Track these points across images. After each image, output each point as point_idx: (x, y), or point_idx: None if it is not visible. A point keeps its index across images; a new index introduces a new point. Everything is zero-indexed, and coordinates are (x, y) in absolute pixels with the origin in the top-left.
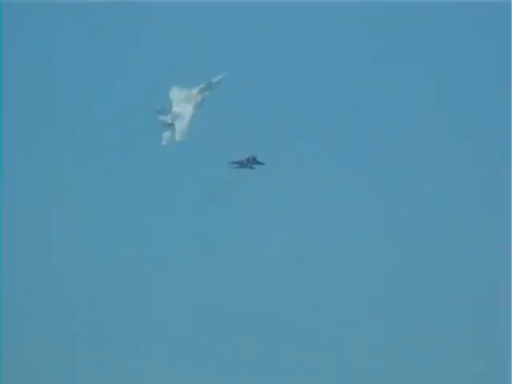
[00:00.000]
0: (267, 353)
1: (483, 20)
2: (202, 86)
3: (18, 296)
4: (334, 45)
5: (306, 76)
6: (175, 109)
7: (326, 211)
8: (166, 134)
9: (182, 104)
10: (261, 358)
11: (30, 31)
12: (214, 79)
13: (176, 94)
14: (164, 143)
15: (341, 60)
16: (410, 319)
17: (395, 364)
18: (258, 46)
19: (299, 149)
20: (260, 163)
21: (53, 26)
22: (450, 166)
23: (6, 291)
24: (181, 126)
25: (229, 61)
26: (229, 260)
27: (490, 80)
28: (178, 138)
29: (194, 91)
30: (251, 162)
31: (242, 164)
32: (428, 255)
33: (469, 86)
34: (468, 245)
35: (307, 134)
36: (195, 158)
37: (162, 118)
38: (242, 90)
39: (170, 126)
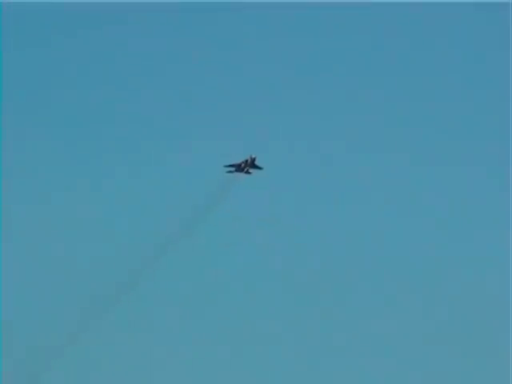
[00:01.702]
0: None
1: (483, 20)
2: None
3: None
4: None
5: (310, 77)
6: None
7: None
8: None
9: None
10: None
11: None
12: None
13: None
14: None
15: (342, 59)
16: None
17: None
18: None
19: (303, 152)
20: (258, 168)
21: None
22: (447, 168)
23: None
24: None
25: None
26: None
27: (490, 79)
28: None
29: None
30: (249, 166)
31: (238, 168)
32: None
33: (468, 85)
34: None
35: (314, 135)
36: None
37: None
38: (244, 91)
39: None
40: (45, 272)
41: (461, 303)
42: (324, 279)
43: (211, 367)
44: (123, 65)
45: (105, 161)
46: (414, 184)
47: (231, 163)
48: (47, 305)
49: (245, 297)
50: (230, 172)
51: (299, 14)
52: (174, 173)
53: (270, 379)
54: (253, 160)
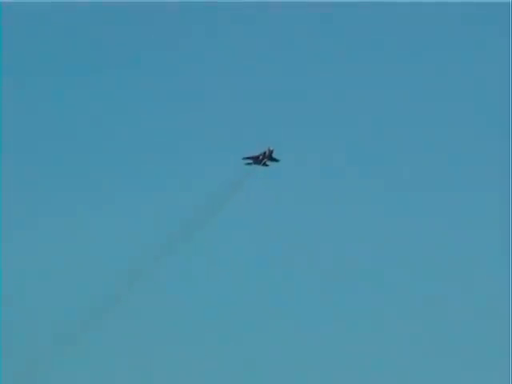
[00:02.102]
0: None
1: (483, 20)
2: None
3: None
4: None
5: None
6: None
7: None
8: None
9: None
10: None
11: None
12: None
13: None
14: None
15: (343, 58)
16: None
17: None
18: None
19: (319, 147)
20: (275, 160)
21: None
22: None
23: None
24: None
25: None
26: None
27: (490, 79)
28: None
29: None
30: (267, 158)
31: (256, 160)
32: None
33: (468, 85)
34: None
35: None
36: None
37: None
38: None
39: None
40: (45, 272)
41: (461, 304)
42: (329, 278)
43: (211, 368)
44: (124, 64)
45: (112, 159)
46: (415, 184)
47: (249, 155)
48: (47, 305)
49: (247, 296)
50: (249, 164)
51: (300, 15)
52: (189, 170)
53: (270, 379)
54: (270, 152)
